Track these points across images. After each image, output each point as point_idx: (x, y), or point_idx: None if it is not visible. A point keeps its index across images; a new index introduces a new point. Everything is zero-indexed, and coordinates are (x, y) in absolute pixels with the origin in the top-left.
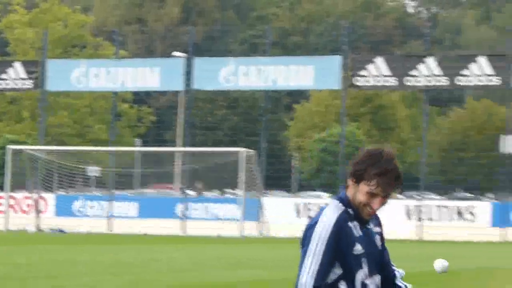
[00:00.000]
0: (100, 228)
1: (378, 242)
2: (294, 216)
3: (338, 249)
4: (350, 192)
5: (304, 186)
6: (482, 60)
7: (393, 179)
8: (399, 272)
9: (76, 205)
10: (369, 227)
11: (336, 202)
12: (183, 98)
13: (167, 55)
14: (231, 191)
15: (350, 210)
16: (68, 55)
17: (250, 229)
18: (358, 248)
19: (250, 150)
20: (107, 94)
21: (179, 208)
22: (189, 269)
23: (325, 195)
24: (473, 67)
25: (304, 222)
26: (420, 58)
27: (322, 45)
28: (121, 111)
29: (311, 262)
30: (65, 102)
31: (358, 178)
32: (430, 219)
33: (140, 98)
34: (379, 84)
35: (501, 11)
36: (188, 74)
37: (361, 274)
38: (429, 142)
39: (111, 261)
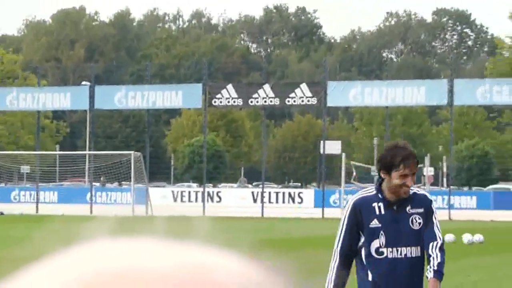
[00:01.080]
0: (30, 211)
1: (410, 221)
2: (172, 200)
3: (358, 221)
4: (384, 182)
5: (179, 179)
6: (304, 86)
7: (412, 160)
8: (433, 249)
9: (13, 194)
10: (397, 209)
11: (372, 187)
12: (89, 115)
13: (77, 84)
14: (126, 182)
15: (379, 195)
16: (3, 84)
17: (140, 210)
18: (375, 223)
19: (138, 153)
20: (33, 113)
21: (88, 195)
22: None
23: (194, 185)
24: (297, 91)
25: (179, 205)
26: (259, 85)
27: (189, 76)
28: (44, 125)
29: (339, 232)
30: (2, 119)
31: (388, 169)
32: (271, 202)
33: (58, 115)
34: (230, 104)
35: (316, 51)
36: (92, 97)
37: (377, 243)
38: (268, 146)
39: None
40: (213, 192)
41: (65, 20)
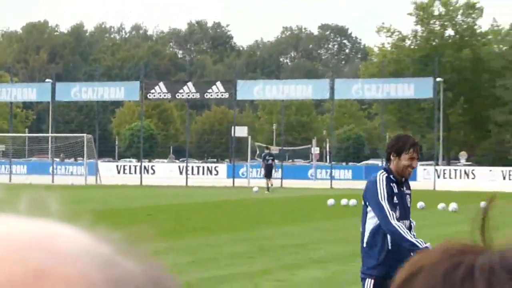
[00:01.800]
0: (4, 181)
1: (407, 200)
2: (116, 173)
3: (390, 194)
4: (392, 164)
5: (122, 155)
6: (218, 84)
7: (418, 146)
8: (413, 223)
9: None
10: (403, 189)
11: (382, 170)
12: (51, 105)
13: (41, 81)
14: (80, 158)
15: (391, 176)
16: None
17: (91, 180)
18: (395, 199)
19: (89, 135)
20: (7, 103)
21: (50, 168)
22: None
23: (134, 160)
24: (213, 88)
25: (121, 176)
26: (184, 83)
27: (129, 75)
28: (16, 113)
29: (380, 197)
30: None
31: (399, 152)
32: (193, 174)
33: (27, 105)
34: (161, 97)
35: (228, 56)
36: (53, 92)
37: (395, 216)
38: (191, 130)
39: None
40: (148, 166)
41: (32, 31)
